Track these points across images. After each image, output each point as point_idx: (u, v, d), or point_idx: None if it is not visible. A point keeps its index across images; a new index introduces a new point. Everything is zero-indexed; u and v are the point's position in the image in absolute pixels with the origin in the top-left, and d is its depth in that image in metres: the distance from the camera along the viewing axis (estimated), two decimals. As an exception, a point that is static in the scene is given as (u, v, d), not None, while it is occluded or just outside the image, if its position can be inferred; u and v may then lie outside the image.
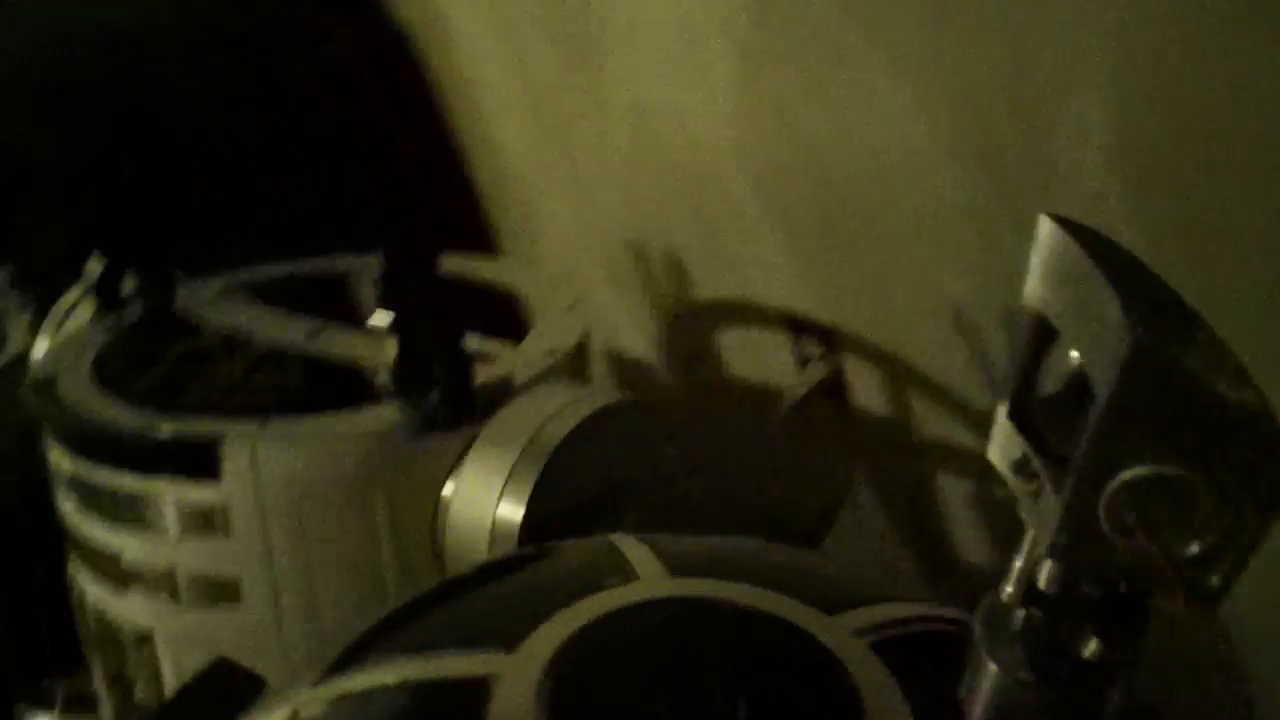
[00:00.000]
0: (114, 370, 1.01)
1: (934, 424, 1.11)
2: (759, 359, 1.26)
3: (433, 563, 0.92)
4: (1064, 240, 0.39)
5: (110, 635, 0.96)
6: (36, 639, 1.04)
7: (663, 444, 0.96)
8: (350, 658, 0.51)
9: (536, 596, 0.51)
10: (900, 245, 1.05)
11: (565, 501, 0.90)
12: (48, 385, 0.96)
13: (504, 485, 0.89)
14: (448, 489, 0.91)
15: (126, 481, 0.89)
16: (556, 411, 0.91)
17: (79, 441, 0.91)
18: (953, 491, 1.12)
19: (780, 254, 1.19)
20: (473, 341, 1.02)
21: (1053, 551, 0.40)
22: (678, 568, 0.52)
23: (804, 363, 1.22)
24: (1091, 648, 0.42)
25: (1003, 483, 0.43)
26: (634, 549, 0.53)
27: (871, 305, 1.13)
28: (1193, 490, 0.37)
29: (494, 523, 0.89)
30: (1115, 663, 0.42)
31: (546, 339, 1.02)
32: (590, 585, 0.50)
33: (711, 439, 0.97)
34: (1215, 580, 0.38)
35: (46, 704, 1.07)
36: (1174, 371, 0.35)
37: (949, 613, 0.52)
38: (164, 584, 0.91)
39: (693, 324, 1.33)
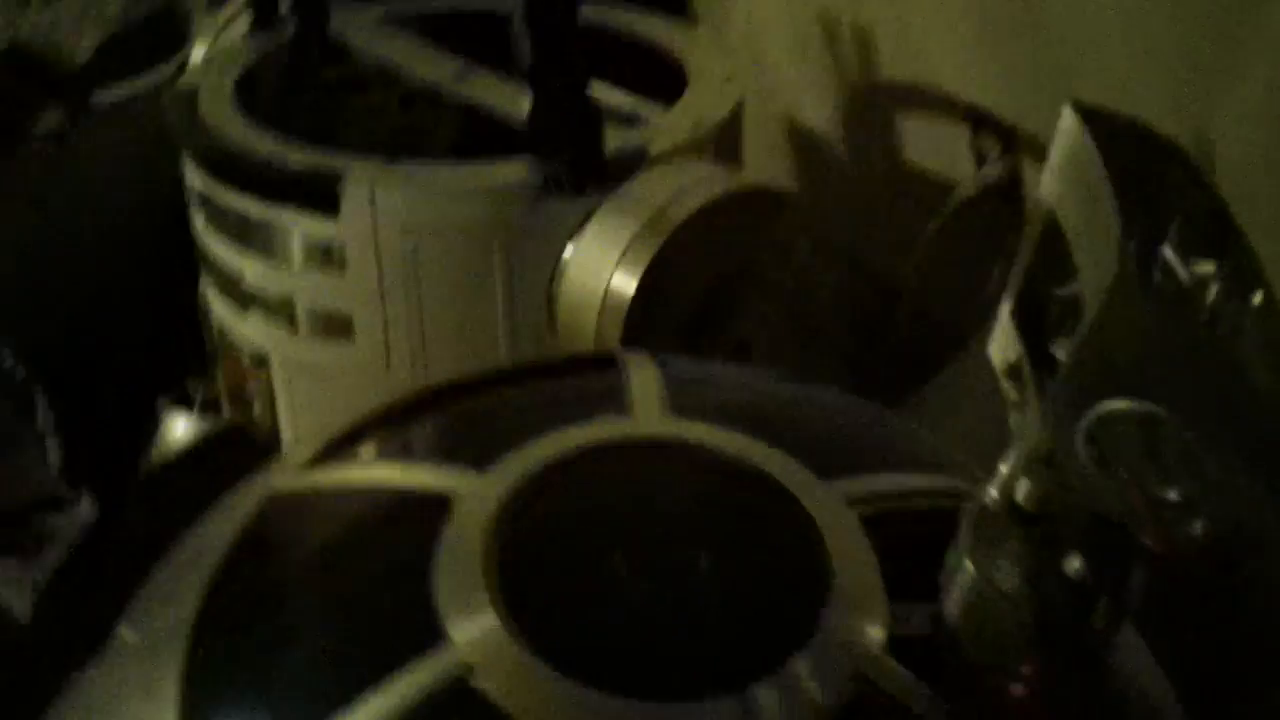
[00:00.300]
0: (260, 89, 1.01)
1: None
2: (935, 151, 1.19)
3: (546, 328, 0.91)
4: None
5: (231, 352, 0.98)
6: (180, 341, 1.07)
7: (797, 236, 0.91)
8: (333, 450, 0.51)
9: (524, 417, 0.49)
10: (1096, 47, 0.97)
11: (683, 283, 0.88)
12: (188, 99, 0.96)
13: (620, 257, 0.87)
14: (567, 253, 0.89)
15: (251, 206, 0.90)
16: (688, 187, 0.87)
17: (209, 161, 0.91)
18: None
19: (970, 43, 1.11)
20: (621, 101, 0.98)
21: (1027, 470, 0.36)
22: (681, 404, 0.49)
23: (980, 161, 1.14)
24: (1074, 566, 0.38)
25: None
26: (641, 377, 0.51)
27: (1056, 108, 1.04)
28: (1174, 434, 0.33)
29: (606, 294, 0.87)
30: (1097, 587, 0.39)
31: (695, 109, 0.97)
32: (580, 414, 0.48)
33: (853, 237, 0.92)
34: (1198, 530, 0.34)
35: (187, 403, 1.11)
36: (1168, 312, 0.31)
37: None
38: (281, 310, 0.92)
39: (873, 106, 1.26)
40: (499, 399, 0.54)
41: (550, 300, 0.91)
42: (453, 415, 0.53)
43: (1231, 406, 0.33)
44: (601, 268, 0.86)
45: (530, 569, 0.44)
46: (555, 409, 0.50)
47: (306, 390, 0.93)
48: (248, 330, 0.94)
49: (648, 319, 0.87)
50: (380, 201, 0.85)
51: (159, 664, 0.44)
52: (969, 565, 0.40)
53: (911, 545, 0.45)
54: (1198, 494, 0.34)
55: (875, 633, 0.42)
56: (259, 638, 0.44)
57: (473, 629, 0.41)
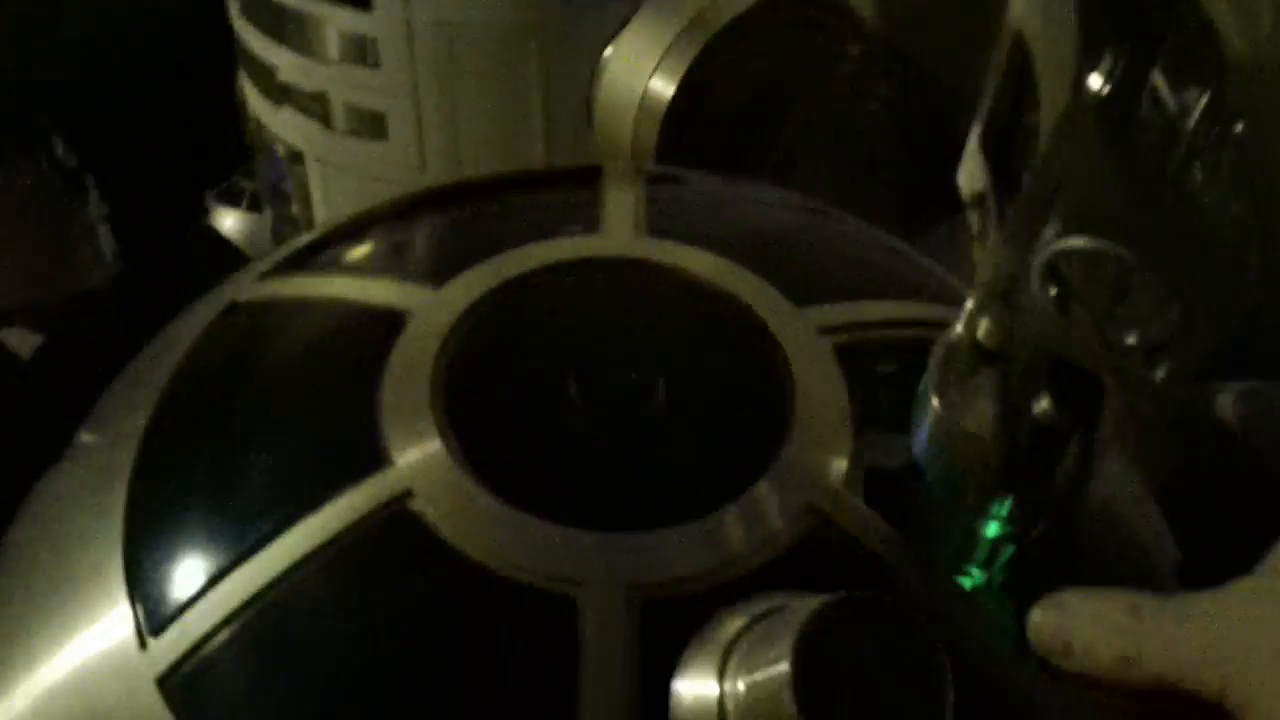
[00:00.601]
0: None
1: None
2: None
3: (583, 133, 0.88)
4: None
5: (268, 148, 0.97)
6: (228, 135, 1.06)
7: (848, 41, 0.87)
8: (296, 259, 0.49)
9: (492, 233, 0.47)
10: None
11: (724, 88, 0.84)
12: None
13: (659, 60, 0.83)
14: (606, 54, 0.86)
15: (285, -4, 0.87)
16: (735, -14, 0.83)
17: (240, -52, 0.89)
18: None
19: None
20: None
21: (985, 307, 0.33)
22: (661, 224, 0.47)
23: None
24: (1042, 408, 0.36)
25: None
26: (619, 193, 0.48)
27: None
28: (1133, 275, 0.30)
29: (643, 98, 0.84)
30: (1066, 429, 0.37)
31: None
32: (551, 231, 0.45)
33: (910, 43, 0.87)
34: (1159, 375, 0.32)
35: (234, 198, 1.10)
36: (1123, 146, 0.28)
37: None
38: (315, 106, 0.90)
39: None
40: (470, 212, 0.52)
41: (588, 103, 0.88)
42: (419, 228, 0.51)
43: (1196, 249, 0.29)
44: (640, 70, 0.83)
45: (480, 392, 0.42)
46: (526, 225, 0.47)
47: (341, 188, 0.92)
48: (283, 125, 0.92)
49: (686, 125, 0.84)
50: (414, -6, 0.82)
51: (110, 469, 0.44)
52: (935, 403, 0.38)
53: (890, 377, 0.42)
54: (1158, 339, 0.31)
55: (836, 466, 0.40)
56: (205, 449, 0.43)
57: (414, 452, 0.40)
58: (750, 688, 0.35)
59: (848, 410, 0.41)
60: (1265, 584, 0.33)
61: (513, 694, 0.38)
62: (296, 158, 0.94)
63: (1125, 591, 0.35)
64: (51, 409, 0.55)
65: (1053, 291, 0.32)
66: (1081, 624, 0.36)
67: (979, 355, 0.37)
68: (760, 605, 0.38)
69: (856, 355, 0.43)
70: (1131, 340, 0.32)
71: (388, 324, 0.43)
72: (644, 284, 0.45)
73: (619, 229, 0.46)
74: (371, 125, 0.90)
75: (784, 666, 0.34)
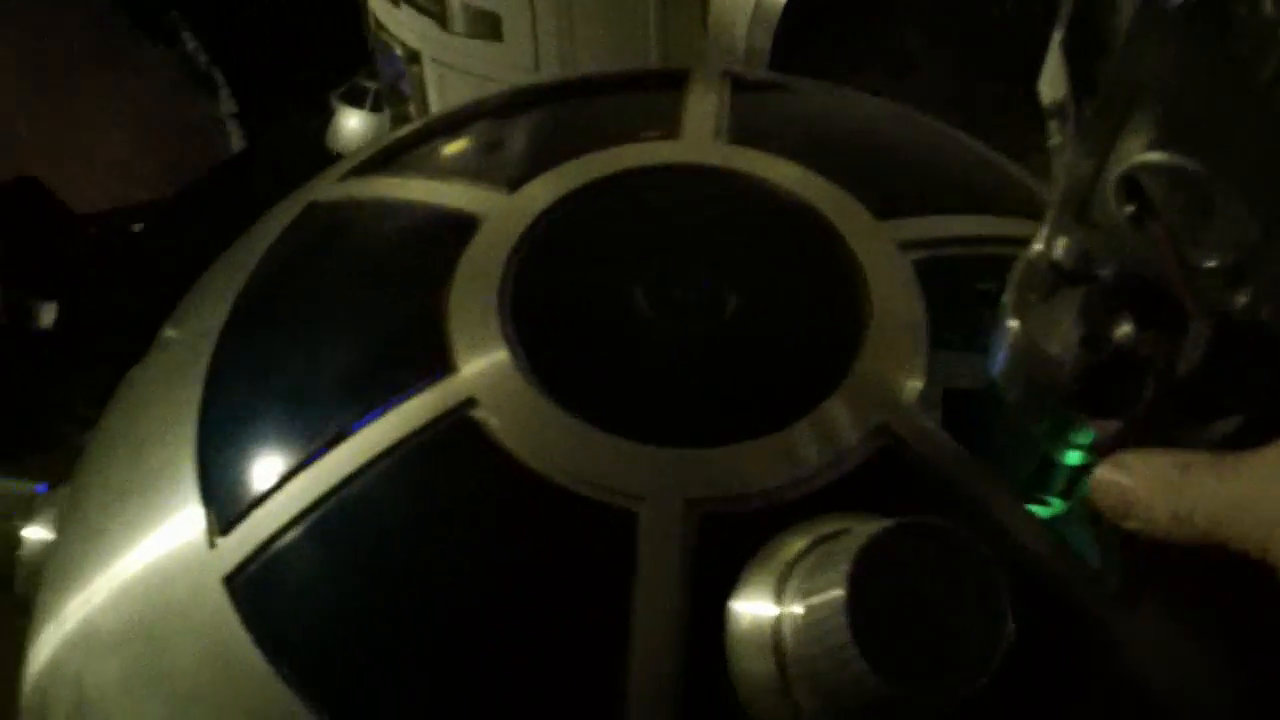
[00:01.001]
0: None
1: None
2: None
3: (698, 36, 0.87)
4: None
5: (387, 48, 0.97)
6: (353, 36, 1.06)
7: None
8: (377, 160, 0.48)
9: (568, 136, 0.46)
10: None
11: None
12: None
13: (776, -37, 0.81)
14: (722, -45, 0.84)
15: (400, -109, 0.87)
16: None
17: None
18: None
19: None
20: None
21: (1058, 222, 0.32)
22: (745, 131, 0.45)
23: None
24: (1123, 331, 0.34)
25: None
26: (703, 98, 0.46)
27: None
28: (1212, 193, 0.28)
29: (758, 1, 0.82)
30: (1147, 354, 0.35)
31: None
32: (630, 136, 0.44)
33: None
34: (1242, 299, 0.31)
35: (359, 98, 1.11)
36: (1208, 54, 0.26)
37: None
38: (433, 5, 0.90)
39: None
40: (553, 115, 0.51)
41: (703, 5, 0.87)
42: (501, 130, 0.50)
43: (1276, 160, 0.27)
44: (755, -29, 0.81)
45: (549, 299, 0.42)
46: (608, 128, 0.46)
47: (458, 90, 0.92)
48: (401, 25, 0.92)
49: (802, 28, 0.82)
50: (526, -112, 0.81)
51: (186, 366, 0.44)
52: (1013, 324, 0.36)
53: (974, 295, 0.40)
54: (1239, 262, 0.29)
55: (909, 386, 0.39)
56: (276, 349, 0.44)
57: (479, 359, 0.40)
58: (807, 611, 0.34)
59: (925, 329, 0.40)
60: None
61: (568, 604, 0.37)
62: (414, 58, 0.94)
63: (1181, 450, 0.34)
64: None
65: (1129, 208, 0.30)
66: (1138, 481, 0.35)
67: (1057, 275, 0.35)
68: (823, 527, 0.37)
69: (939, 272, 0.42)
70: (1211, 263, 0.30)
71: (460, 227, 0.43)
72: (719, 192, 0.44)
73: (698, 135, 0.45)
74: (487, 26, 0.89)
75: (839, 592, 0.33)
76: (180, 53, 1.29)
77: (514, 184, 0.43)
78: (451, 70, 0.91)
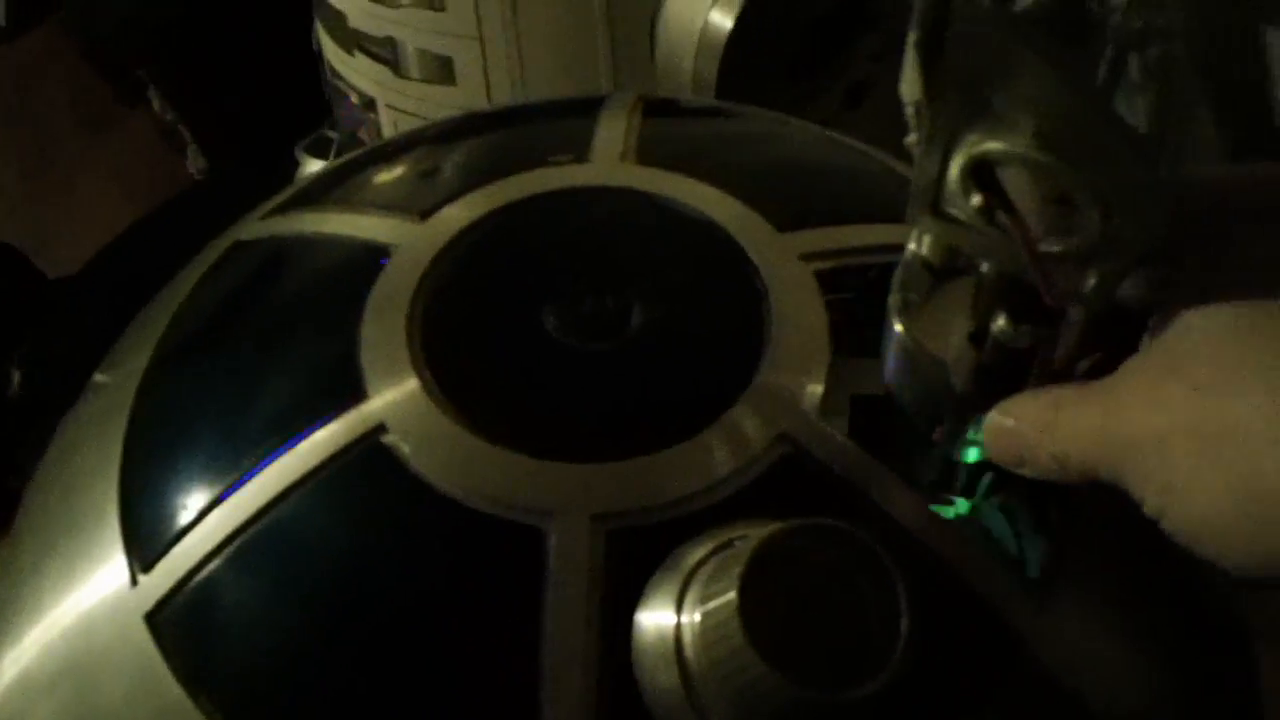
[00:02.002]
0: None
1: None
2: None
3: (649, 70, 0.88)
4: None
5: (344, 96, 0.98)
6: (313, 91, 1.07)
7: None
8: (299, 197, 0.49)
9: (482, 165, 0.46)
10: None
11: (787, 19, 0.83)
12: None
13: (718, -10, 0.82)
14: (669, -13, 0.85)
15: (351, -60, 0.88)
16: (792, -84, 0.82)
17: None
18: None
19: None
20: None
21: (916, 219, 0.32)
22: (650, 152, 0.46)
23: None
24: (1000, 325, 0.35)
25: None
26: (612, 123, 0.47)
27: None
28: (1055, 181, 0.29)
29: (703, 32, 0.83)
30: (1028, 346, 0.36)
31: None
32: (539, 162, 0.45)
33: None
34: (1091, 282, 0.32)
35: (323, 149, 1.12)
36: (1044, 56, 0.27)
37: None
38: (386, 52, 0.91)
39: None
40: (468, 145, 0.52)
41: (651, 39, 0.87)
42: (418, 162, 0.51)
43: (1114, 155, 0.28)
44: (699, 3, 0.82)
45: (459, 324, 0.42)
46: (520, 156, 0.47)
47: (412, 134, 0.92)
48: (356, 72, 0.93)
49: (748, 58, 0.82)
50: (475, -67, 0.82)
51: (113, 406, 0.45)
52: (898, 326, 0.37)
53: (874, 302, 0.41)
54: (1082, 246, 0.30)
55: (810, 394, 0.39)
56: (196, 386, 0.44)
57: (389, 385, 0.40)
58: (704, 617, 0.34)
59: (826, 337, 0.40)
60: (1147, 361, 0.32)
61: (481, 622, 0.38)
62: (370, 104, 0.95)
63: (1059, 388, 0.34)
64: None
65: (977, 199, 0.31)
66: (1021, 425, 0.35)
67: (931, 273, 0.36)
68: (723, 535, 0.37)
69: (841, 281, 0.42)
70: (1057, 248, 0.31)
71: (376, 258, 0.44)
72: (625, 212, 0.45)
73: (607, 158, 0.46)
74: (439, 69, 0.90)
75: (732, 595, 0.33)
76: (149, 110, 1.31)
77: (426, 213, 0.44)
78: (406, 115, 0.92)
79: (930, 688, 0.37)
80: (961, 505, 0.40)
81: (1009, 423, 0.35)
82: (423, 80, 0.91)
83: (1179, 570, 0.47)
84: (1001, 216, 0.30)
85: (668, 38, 0.86)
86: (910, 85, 0.33)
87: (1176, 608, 0.46)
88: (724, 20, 0.81)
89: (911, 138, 0.32)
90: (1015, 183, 0.30)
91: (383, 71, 0.91)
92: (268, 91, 1.19)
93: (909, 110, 0.33)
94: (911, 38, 0.32)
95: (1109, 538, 0.44)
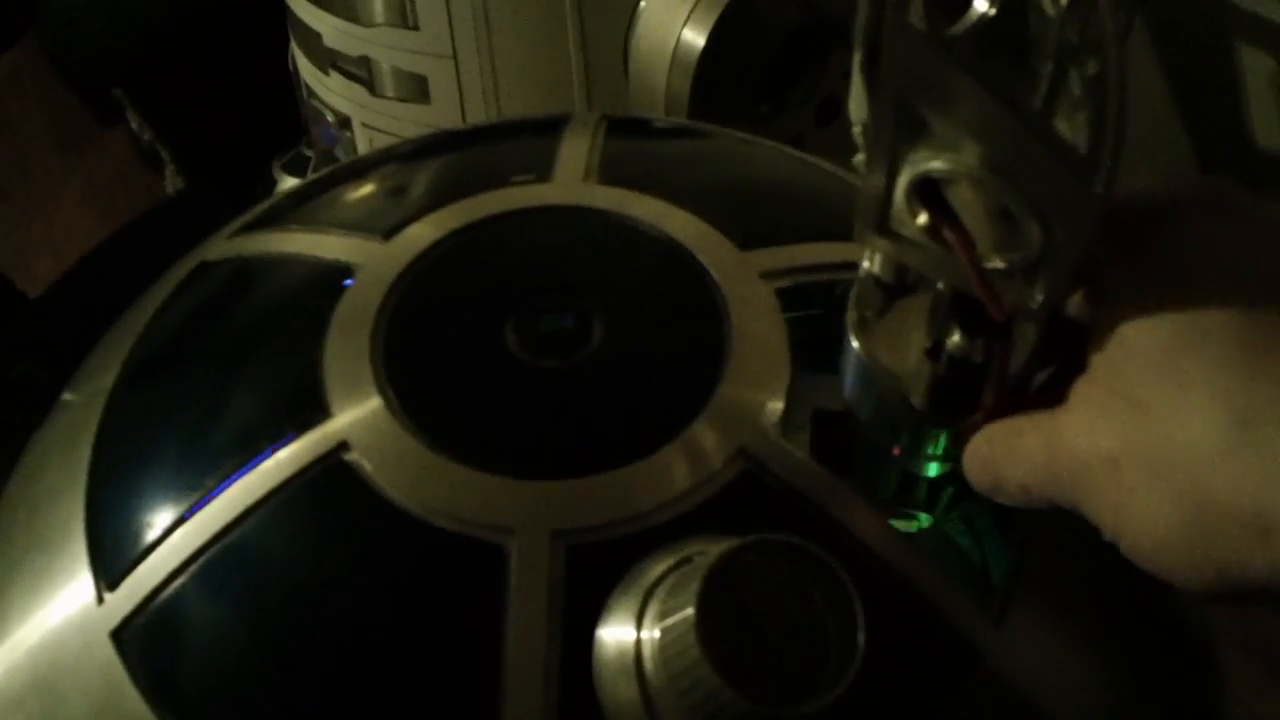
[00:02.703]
0: None
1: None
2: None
3: (622, 87, 0.88)
4: None
5: (320, 115, 0.98)
6: (290, 109, 1.08)
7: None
8: (265, 217, 0.50)
9: (444, 185, 0.47)
10: None
11: (759, 36, 0.83)
12: None
13: (691, 9, 0.83)
14: (640, 5, 0.86)
15: (325, -40, 0.88)
16: (765, -67, 0.82)
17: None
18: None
19: None
20: None
21: (857, 233, 0.33)
22: (613, 171, 0.46)
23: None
24: (954, 341, 0.36)
25: None
26: (575, 142, 0.48)
27: None
28: (995, 197, 0.29)
29: (676, 49, 0.84)
30: (982, 361, 0.36)
31: None
32: (499, 181, 0.45)
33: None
34: (1038, 297, 0.32)
35: (300, 166, 1.12)
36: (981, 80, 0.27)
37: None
38: (361, 71, 0.92)
39: None
40: (433, 164, 0.52)
41: (624, 57, 0.87)
42: (384, 182, 0.51)
43: (1049, 169, 0.28)
44: (672, 21, 0.83)
45: (421, 342, 0.42)
46: (484, 176, 0.47)
47: (389, 152, 0.93)
48: (331, 92, 0.93)
49: (721, 76, 0.83)
50: (448, -47, 0.82)
51: (80, 424, 0.45)
52: (855, 343, 0.37)
53: (835, 320, 0.41)
54: (1025, 260, 0.31)
55: (769, 410, 0.40)
56: (161, 405, 0.44)
57: (352, 404, 0.41)
58: (662, 633, 0.35)
59: (786, 354, 0.41)
60: (1093, 384, 0.33)
61: (443, 639, 0.38)
62: (345, 123, 0.96)
63: (1023, 416, 0.34)
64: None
65: (922, 217, 0.32)
66: (996, 452, 0.35)
67: (884, 291, 0.36)
68: (682, 550, 0.38)
69: (800, 299, 0.43)
70: (1000, 264, 0.31)
71: (339, 278, 0.44)
72: (587, 230, 0.45)
73: (569, 177, 0.46)
74: (414, 88, 0.91)
75: (690, 611, 0.34)
76: (127, 130, 1.31)
77: (389, 233, 0.44)
78: (381, 133, 0.93)
79: (888, 702, 0.38)
80: (922, 520, 0.41)
81: (984, 450, 0.35)
82: (397, 99, 0.91)
83: (1142, 584, 0.48)
84: (947, 233, 0.31)
85: (641, 55, 0.86)
86: (856, 105, 0.33)
87: (1139, 621, 0.46)
88: (697, 38, 0.82)
89: (859, 157, 0.33)
90: (961, 199, 0.30)
91: (358, 90, 0.92)
92: (244, 110, 1.19)
93: (856, 130, 0.34)
94: (855, 58, 0.33)
95: (1070, 551, 0.44)
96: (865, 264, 0.36)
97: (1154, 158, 0.95)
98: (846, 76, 0.83)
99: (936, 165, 0.30)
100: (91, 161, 1.46)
